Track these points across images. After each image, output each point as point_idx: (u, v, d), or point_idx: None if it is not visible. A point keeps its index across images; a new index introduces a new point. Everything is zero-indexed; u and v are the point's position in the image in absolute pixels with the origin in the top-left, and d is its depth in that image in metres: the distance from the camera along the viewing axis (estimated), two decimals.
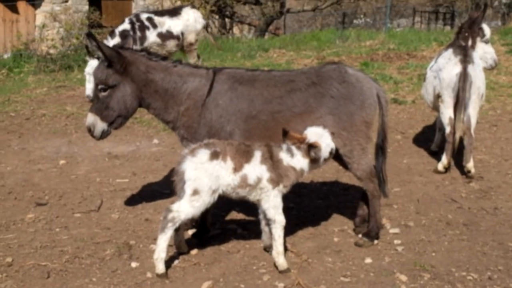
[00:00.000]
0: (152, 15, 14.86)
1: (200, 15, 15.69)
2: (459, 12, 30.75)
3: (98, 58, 12.34)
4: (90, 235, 6.76)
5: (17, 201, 7.87)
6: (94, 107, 6.38)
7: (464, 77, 8.49)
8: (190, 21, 14.94)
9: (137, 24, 14.23)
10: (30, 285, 5.65)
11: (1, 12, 22.47)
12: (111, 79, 6.20)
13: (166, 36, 14.64)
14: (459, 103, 8.47)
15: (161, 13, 15.36)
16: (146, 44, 13.98)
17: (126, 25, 14.21)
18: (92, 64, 12.54)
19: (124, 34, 13.76)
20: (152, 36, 14.37)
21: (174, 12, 15.23)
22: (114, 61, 6.15)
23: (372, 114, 6.27)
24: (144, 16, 14.69)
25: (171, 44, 14.77)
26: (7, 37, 22.27)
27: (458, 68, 8.61)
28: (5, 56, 18.99)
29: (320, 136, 5.76)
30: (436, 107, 9.21)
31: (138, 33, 14.10)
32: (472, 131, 8.67)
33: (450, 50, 8.98)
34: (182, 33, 14.87)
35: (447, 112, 8.77)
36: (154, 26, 14.48)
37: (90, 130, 6.42)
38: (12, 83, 15.62)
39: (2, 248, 6.42)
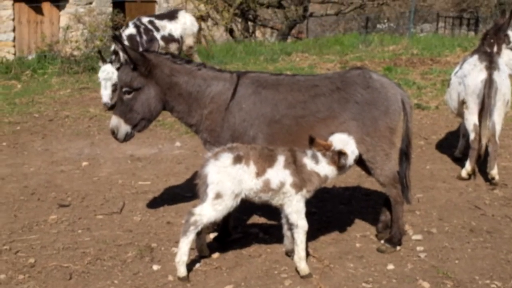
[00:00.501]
0: (153, 19, 14.85)
1: (194, 19, 15.84)
2: (483, 18, 30.58)
3: (111, 62, 12.41)
4: (112, 237, 6.79)
5: (40, 202, 7.92)
6: (118, 110, 6.40)
7: (489, 83, 8.44)
8: (187, 24, 15.00)
9: (142, 28, 14.23)
10: (52, 286, 5.69)
11: (25, 13, 22.64)
12: (136, 82, 6.22)
13: (168, 39, 14.68)
14: (485, 110, 8.42)
15: (160, 16, 15.33)
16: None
17: (131, 29, 14.13)
18: (107, 69, 12.53)
19: (131, 38, 13.75)
20: None
21: (171, 16, 15.21)
22: (139, 64, 6.16)
23: (397, 120, 6.24)
24: (146, 20, 14.66)
25: (173, 47, 14.72)
26: (32, 38, 22.44)
27: (483, 75, 8.55)
28: (30, 57, 19.18)
29: (346, 143, 5.75)
30: (460, 113, 9.15)
31: (144, 37, 14.07)
32: (496, 138, 8.61)
33: (476, 56, 8.93)
34: (181, 37, 14.93)
35: (471, 119, 8.71)
36: (157, 29, 14.52)
37: (113, 133, 6.44)
38: (36, 84, 15.77)
39: (25, 249, 6.47)
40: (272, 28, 29.88)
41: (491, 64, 8.61)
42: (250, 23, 27.87)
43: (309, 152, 5.75)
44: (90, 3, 24.54)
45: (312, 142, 5.70)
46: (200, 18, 25.89)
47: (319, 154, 5.72)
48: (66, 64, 17.38)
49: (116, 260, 6.23)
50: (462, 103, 8.86)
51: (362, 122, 6.09)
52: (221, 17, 25.20)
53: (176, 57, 6.46)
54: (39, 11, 23.12)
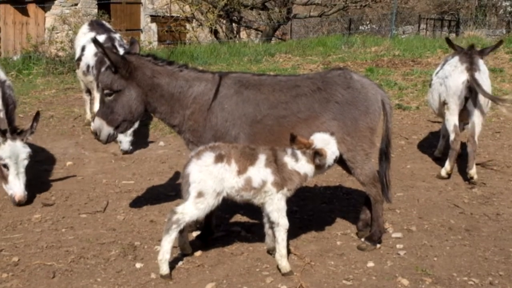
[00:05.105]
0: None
1: None
2: (464, 20, 30.76)
3: None
4: (95, 236, 6.84)
5: None
6: (100, 111, 6.43)
7: (476, 82, 8.53)
8: None
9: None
10: (35, 285, 5.72)
11: (11, 14, 22.63)
12: (116, 84, 6.24)
13: None
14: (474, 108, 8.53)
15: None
16: None
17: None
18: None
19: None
20: None
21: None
22: (120, 66, 6.19)
23: (376, 120, 6.32)
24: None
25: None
26: (17, 39, 22.44)
27: (464, 76, 8.66)
28: (15, 58, 19.11)
29: (327, 143, 5.81)
30: (441, 114, 9.25)
31: None
32: (476, 138, 8.72)
33: (456, 58, 9.02)
34: None
35: (452, 119, 8.82)
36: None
37: (96, 134, 6.46)
38: (21, 85, 15.71)
39: (8, 248, 6.50)
40: (256, 29, 29.91)
41: (471, 66, 8.72)
42: (234, 25, 27.89)
43: (289, 151, 5.83)
44: (76, 4, 24.57)
45: (293, 140, 5.77)
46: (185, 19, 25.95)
47: (298, 153, 5.80)
48: (51, 65, 17.34)
49: (99, 258, 6.27)
50: (443, 104, 8.96)
51: (342, 122, 6.16)
52: (206, 18, 25.22)
53: (158, 59, 6.49)
54: (24, 12, 23.12)
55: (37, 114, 8.29)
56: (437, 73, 9.44)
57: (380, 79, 15.07)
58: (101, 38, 10.81)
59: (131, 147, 10.12)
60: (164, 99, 6.32)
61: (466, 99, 8.71)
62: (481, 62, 8.98)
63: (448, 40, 10.16)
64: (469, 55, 9.05)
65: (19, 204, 7.81)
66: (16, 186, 7.85)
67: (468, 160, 8.68)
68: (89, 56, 11.03)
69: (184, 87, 6.31)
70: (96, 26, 11.85)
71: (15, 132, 7.99)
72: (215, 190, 5.59)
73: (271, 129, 6.20)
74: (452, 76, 8.80)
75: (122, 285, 5.71)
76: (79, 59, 11.32)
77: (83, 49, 11.30)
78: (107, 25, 12.25)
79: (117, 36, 11.27)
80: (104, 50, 6.18)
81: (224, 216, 7.31)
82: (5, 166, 7.85)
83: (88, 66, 11.02)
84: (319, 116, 6.19)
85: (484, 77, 8.79)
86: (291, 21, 29.90)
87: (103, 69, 10.00)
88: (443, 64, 9.39)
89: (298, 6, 29.90)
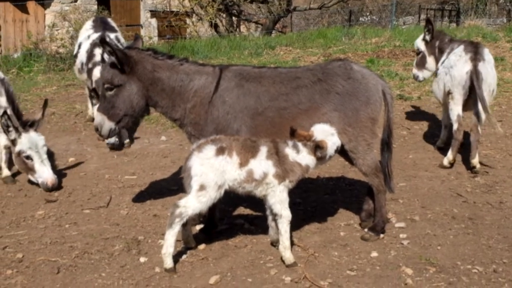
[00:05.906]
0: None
1: None
2: (464, 10, 30.70)
3: None
4: (99, 231, 6.85)
5: (27, 198, 7.99)
6: (101, 107, 6.43)
7: (476, 74, 8.54)
8: None
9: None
10: (40, 281, 5.74)
11: (11, 12, 22.64)
12: (117, 79, 6.25)
13: None
14: (481, 100, 8.50)
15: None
16: None
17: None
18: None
19: None
20: None
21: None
22: (123, 62, 6.21)
23: (378, 110, 6.32)
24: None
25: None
26: (17, 36, 22.45)
27: (468, 66, 8.67)
28: (15, 56, 19.09)
29: (327, 134, 5.81)
30: (445, 103, 9.24)
31: None
32: (479, 128, 8.72)
33: (462, 47, 9.03)
34: None
35: (456, 109, 8.83)
36: None
37: (97, 130, 6.48)
38: (22, 82, 15.70)
39: (13, 244, 6.52)
40: (256, 22, 29.86)
41: (475, 56, 8.72)
42: (234, 18, 27.85)
43: (290, 143, 5.82)
44: (75, 1, 24.56)
45: (293, 133, 5.77)
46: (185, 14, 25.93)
47: (300, 144, 5.79)
48: (51, 62, 17.29)
49: (103, 253, 6.29)
50: (448, 93, 8.95)
51: (343, 112, 6.16)
52: (205, 12, 25.17)
53: (158, 53, 6.49)
54: (24, 10, 23.13)
55: (45, 102, 8.61)
56: (442, 62, 9.43)
57: (381, 70, 15.06)
58: (94, 36, 10.77)
59: (117, 140, 10.11)
60: (165, 93, 6.33)
61: (471, 88, 8.70)
62: (486, 52, 8.99)
63: (428, 22, 10.13)
64: (475, 44, 9.07)
65: (52, 189, 8.14)
66: (45, 173, 8.21)
67: (471, 149, 8.68)
68: (83, 53, 10.94)
69: (184, 80, 6.31)
70: (99, 23, 11.63)
71: (26, 124, 8.32)
72: (216, 182, 5.60)
73: (272, 121, 6.20)
74: (456, 66, 8.81)
75: (126, 279, 5.72)
76: (76, 56, 11.25)
77: (79, 46, 11.21)
78: (111, 23, 12.00)
79: (111, 35, 10.99)
80: (113, 49, 6.18)
81: (227, 209, 7.31)
82: (28, 157, 8.20)
83: (82, 64, 10.91)
84: (320, 107, 6.18)
85: (489, 67, 8.81)
86: (291, 14, 29.86)
87: (90, 65, 10.02)
88: (449, 53, 9.37)
89: None
